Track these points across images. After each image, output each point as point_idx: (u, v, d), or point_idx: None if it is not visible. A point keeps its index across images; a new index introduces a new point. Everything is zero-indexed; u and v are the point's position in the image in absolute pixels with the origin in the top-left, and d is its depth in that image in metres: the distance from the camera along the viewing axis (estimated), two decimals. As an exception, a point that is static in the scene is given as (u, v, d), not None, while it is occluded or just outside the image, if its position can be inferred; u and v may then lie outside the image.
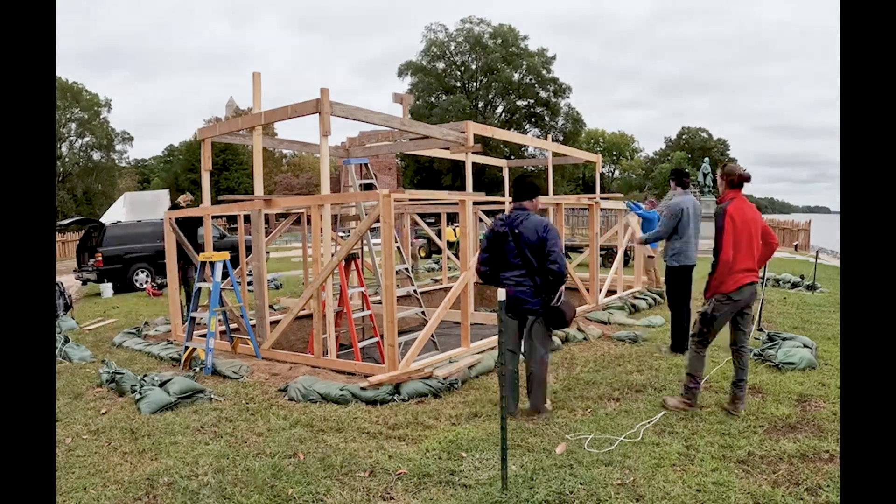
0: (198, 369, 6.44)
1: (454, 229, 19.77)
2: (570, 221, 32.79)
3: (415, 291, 7.57)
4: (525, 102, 56.30)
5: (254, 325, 7.49)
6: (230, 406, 5.32)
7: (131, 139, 57.18)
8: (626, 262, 12.55)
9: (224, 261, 6.93)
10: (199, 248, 8.80)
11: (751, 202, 4.77)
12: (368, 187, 8.55)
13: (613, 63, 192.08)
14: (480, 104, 55.54)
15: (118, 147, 56.34)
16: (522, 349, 4.89)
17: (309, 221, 9.02)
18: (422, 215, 13.03)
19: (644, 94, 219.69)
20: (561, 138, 52.88)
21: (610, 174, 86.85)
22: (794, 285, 12.09)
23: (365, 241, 8.51)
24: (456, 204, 8.02)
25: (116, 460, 4.19)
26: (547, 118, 55.15)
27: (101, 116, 53.14)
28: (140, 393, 5.46)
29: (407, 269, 7.32)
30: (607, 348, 7.18)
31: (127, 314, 10.95)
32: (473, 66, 56.08)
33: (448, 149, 9.44)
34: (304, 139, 10.28)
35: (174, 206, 10.31)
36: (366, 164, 8.47)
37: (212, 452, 4.26)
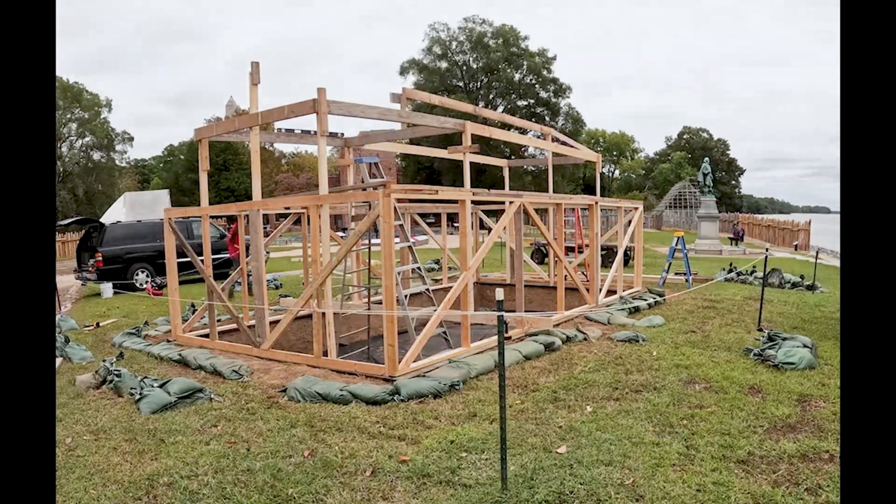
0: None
1: None
2: (570, 222, 32.73)
3: (427, 290, 7.56)
4: (525, 102, 56.43)
5: (252, 326, 7.49)
6: (230, 406, 5.32)
7: (131, 139, 57.22)
8: (625, 262, 12.55)
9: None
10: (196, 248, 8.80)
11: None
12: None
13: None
14: (481, 104, 55.59)
15: (118, 147, 56.38)
16: None
17: (309, 221, 9.03)
18: (422, 215, 13.04)
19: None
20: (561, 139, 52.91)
21: (610, 174, 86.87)
22: (794, 285, 12.08)
23: (365, 241, 8.50)
24: (456, 203, 8.01)
25: (116, 460, 4.19)
26: (547, 118, 55.24)
27: (102, 116, 53.15)
28: (140, 393, 5.46)
29: (419, 268, 7.30)
30: (607, 348, 7.18)
31: (127, 314, 10.96)
32: (475, 66, 56.18)
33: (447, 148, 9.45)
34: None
35: None
36: (376, 164, 8.44)
37: (212, 452, 4.26)
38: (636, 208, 12.10)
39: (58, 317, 9.78)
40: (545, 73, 55.51)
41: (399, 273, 6.78)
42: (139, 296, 13.81)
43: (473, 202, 8.78)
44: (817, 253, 14.91)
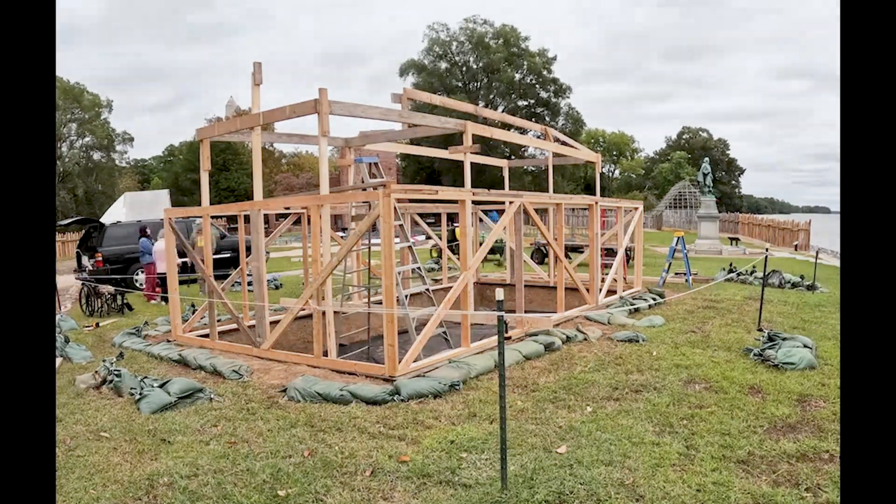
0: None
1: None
2: (570, 222, 32.73)
3: (427, 290, 7.57)
4: (526, 102, 56.38)
5: (252, 326, 7.49)
6: (230, 406, 5.32)
7: (131, 139, 57.24)
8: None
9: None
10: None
11: None
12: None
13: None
14: (481, 104, 55.58)
15: (118, 147, 56.38)
16: None
17: (309, 221, 9.03)
18: (422, 215, 13.04)
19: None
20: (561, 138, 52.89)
21: (610, 174, 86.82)
22: (794, 285, 12.08)
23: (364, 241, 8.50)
24: (456, 203, 8.01)
25: (116, 460, 4.19)
26: (547, 118, 55.19)
27: (102, 117, 53.13)
28: (140, 393, 5.47)
29: (419, 268, 7.31)
30: (607, 348, 7.18)
31: (127, 314, 10.96)
32: (475, 66, 56.16)
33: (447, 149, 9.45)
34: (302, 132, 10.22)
35: None
36: (376, 164, 8.44)
37: (212, 452, 4.26)
38: (636, 208, 12.09)
39: (58, 317, 9.78)
40: (545, 73, 55.49)
41: (399, 273, 6.78)
42: (139, 296, 13.80)
43: (473, 202, 8.78)
44: (817, 253, 14.91)
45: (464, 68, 56.49)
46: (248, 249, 9.70)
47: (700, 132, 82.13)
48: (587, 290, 9.91)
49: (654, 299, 10.39)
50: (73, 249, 24.09)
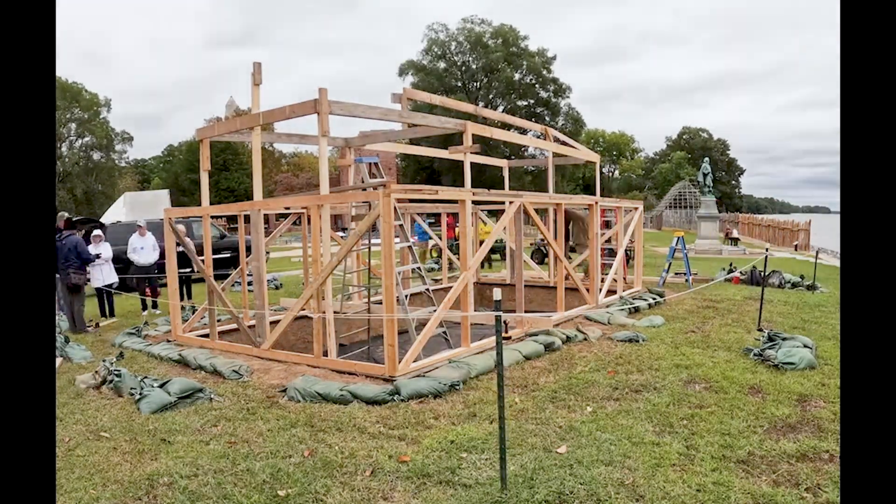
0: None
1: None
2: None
3: (427, 290, 7.57)
4: (525, 102, 56.40)
5: (252, 326, 7.49)
6: (230, 406, 5.32)
7: (131, 139, 57.29)
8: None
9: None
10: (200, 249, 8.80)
11: None
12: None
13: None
14: (481, 104, 55.60)
15: (118, 147, 56.43)
16: None
17: (309, 221, 9.03)
18: (421, 215, 13.05)
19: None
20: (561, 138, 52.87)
21: (609, 174, 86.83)
22: (794, 285, 12.08)
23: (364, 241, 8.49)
24: (457, 203, 8.01)
25: (116, 460, 4.20)
26: (547, 118, 55.20)
27: (101, 116, 53.16)
28: (140, 393, 5.47)
29: (419, 268, 7.32)
30: (607, 348, 7.18)
31: (127, 314, 10.96)
32: (474, 66, 56.19)
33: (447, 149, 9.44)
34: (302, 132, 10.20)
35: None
36: (376, 164, 8.44)
37: (211, 452, 4.26)
38: (636, 208, 12.09)
39: (58, 317, 9.78)
40: (545, 73, 55.53)
41: (399, 273, 6.78)
42: (139, 296, 13.78)
43: (473, 202, 8.78)
44: (817, 253, 14.91)
45: (463, 68, 56.51)
46: (248, 249, 9.70)
47: (700, 132, 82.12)
48: (587, 290, 9.91)
49: (654, 299, 10.39)
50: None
